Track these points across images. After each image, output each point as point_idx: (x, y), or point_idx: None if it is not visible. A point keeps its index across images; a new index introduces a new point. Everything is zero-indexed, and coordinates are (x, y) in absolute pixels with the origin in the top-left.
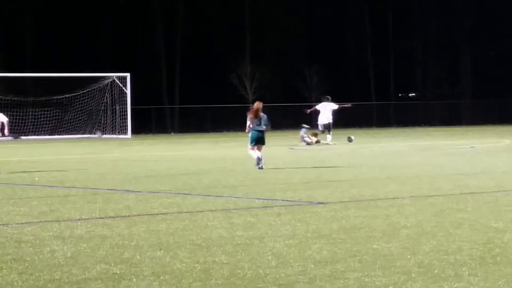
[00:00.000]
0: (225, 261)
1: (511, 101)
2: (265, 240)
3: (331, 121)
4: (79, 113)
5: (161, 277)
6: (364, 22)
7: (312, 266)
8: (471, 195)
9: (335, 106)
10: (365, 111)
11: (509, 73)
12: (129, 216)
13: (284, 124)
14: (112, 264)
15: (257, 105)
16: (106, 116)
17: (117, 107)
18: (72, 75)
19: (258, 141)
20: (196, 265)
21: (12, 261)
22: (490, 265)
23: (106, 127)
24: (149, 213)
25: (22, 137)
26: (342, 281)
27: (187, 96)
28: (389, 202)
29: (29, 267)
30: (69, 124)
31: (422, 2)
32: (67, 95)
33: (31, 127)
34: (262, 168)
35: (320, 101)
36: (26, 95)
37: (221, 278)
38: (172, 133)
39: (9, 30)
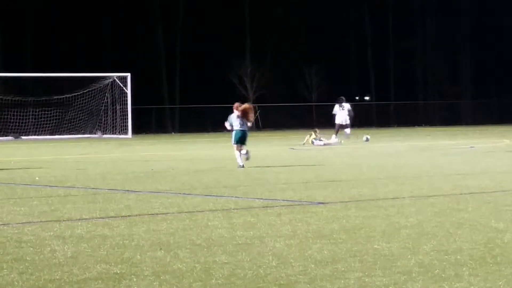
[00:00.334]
0: (225, 261)
1: (511, 101)
2: (266, 240)
3: (348, 122)
4: (80, 113)
5: (162, 277)
6: (364, 22)
7: (312, 266)
8: (471, 195)
9: (349, 107)
10: (365, 111)
11: (509, 73)
12: (129, 216)
13: (284, 124)
14: (113, 264)
15: (249, 106)
16: (107, 116)
17: (118, 107)
18: (72, 75)
19: (241, 140)
20: (197, 265)
21: (13, 261)
22: (491, 265)
23: (106, 127)
24: (149, 213)
25: (23, 137)
26: (342, 281)
27: (187, 96)
28: (389, 202)
29: (30, 267)
30: (69, 124)
31: (422, 2)
32: (67, 95)
33: (32, 127)
34: (243, 166)
35: (336, 102)
36: (27, 95)
37: (222, 278)
38: (173, 133)
39: (9, 30)
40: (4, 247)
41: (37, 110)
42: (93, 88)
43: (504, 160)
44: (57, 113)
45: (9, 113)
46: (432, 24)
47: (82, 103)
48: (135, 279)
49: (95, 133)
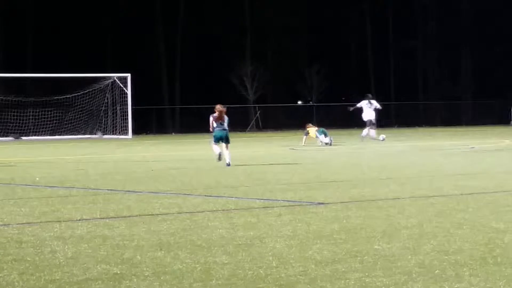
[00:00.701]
0: (225, 262)
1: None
2: (266, 240)
3: (372, 118)
4: (80, 114)
5: (162, 277)
6: (365, 22)
7: (313, 266)
8: (471, 195)
9: (377, 104)
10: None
11: (509, 74)
12: (129, 216)
13: (284, 124)
14: (113, 264)
15: (221, 109)
16: (107, 117)
17: (118, 108)
18: (72, 75)
19: (222, 140)
20: (197, 265)
21: (13, 262)
22: (491, 265)
23: (106, 127)
24: (149, 213)
25: (23, 138)
26: (343, 282)
27: (188, 96)
28: (390, 203)
29: (30, 267)
30: (69, 125)
31: (423, 1)
32: (67, 96)
33: (32, 127)
34: (229, 164)
35: (362, 99)
36: (27, 95)
37: (222, 279)
38: (173, 133)
39: (10, 30)
40: (5, 247)
41: (38, 110)
42: (94, 88)
43: (504, 160)
44: (58, 114)
45: (10, 113)
46: (433, 24)
47: (83, 104)
48: (135, 280)
49: (95, 134)
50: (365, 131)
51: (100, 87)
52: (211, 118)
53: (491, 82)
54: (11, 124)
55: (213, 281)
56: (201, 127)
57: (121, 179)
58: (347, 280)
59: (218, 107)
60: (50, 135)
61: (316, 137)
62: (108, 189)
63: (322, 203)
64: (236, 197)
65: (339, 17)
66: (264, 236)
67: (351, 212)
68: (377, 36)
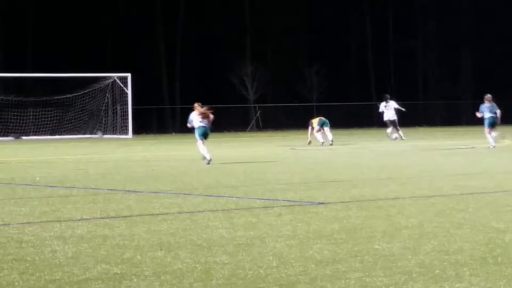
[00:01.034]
0: (226, 261)
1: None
2: (266, 240)
3: (396, 118)
4: (80, 113)
5: (162, 277)
6: (365, 22)
7: (313, 266)
8: (471, 195)
9: (396, 104)
10: (366, 112)
11: (509, 73)
12: (130, 216)
13: (284, 124)
14: (113, 264)
15: (203, 111)
16: (107, 116)
17: (118, 107)
18: (73, 75)
19: (205, 136)
20: (197, 265)
21: (13, 261)
22: (491, 265)
23: (107, 127)
24: (150, 213)
25: (23, 137)
26: (343, 281)
27: (188, 96)
28: (390, 202)
29: (30, 267)
30: (70, 124)
31: (423, 2)
32: (68, 95)
33: (32, 127)
34: (209, 163)
35: (382, 100)
36: (27, 95)
37: (222, 278)
38: (173, 133)
39: (10, 30)
40: (5, 247)
41: (38, 110)
42: (94, 88)
43: (504, 160)
44: (58, 114)
45: (10, 113)
46: (433, 24)
47: (83, 104)
48: (135, 280)
49: (95, 134)
50: (389, 131)
51: (101, 87)
52: (193, 115)
53: (491, 82)
54: (11, 124)
55: (214, 281)
56: None
57: (121, 179)
58: (348, 280)
59: (197, 106)
60: (51, 135)
61: (318, 130)
62: (108, 189)
63: (322, 203)
64: (236, 197)
65: (339, 17)
66: (265, 236)
67: (352, 212)
68: (377, 36)
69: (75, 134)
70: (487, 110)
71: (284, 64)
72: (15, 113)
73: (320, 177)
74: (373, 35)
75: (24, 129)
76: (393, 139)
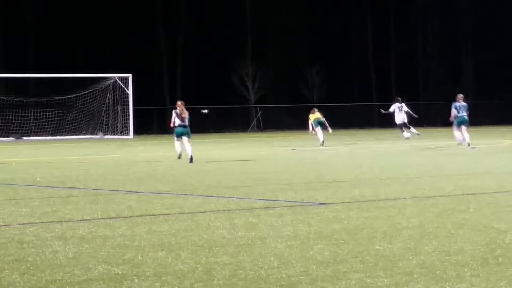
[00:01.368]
0: (227, 262)
1: None
2: (267, 240)
3: (405, 120)
4: (81, 114)
5: (163, 278)
6: (366, 23)
7: (314, 267)
8: (472, 195)
9: (405, 107)
10: (367, 112)
11: (510, 74)
12: (131, 216)
13: (285, 125)
14: (114, 265)
15: (182, 106)
16: (108, 117)
17: (119, 108)
18: (74, 75)
19: (183, 134)
20: (198, 265)
21: (14, 262)
22: (492, 266)
23: (108, 127)
24: (151, 213)
25: (24, 138)
26: (344, 282)
27: (189, 97)
28: (391, 203)
29: (31, 267)
30: (71, 125)
31: (424, 2)
32: (69, 96)
33: (33, 127)
34: (192, 160)
35: (394, 102)
36: (28, 95)
37: (223, 279)
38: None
39: (11, 30)
40: (6, 247)
41: (39, 110)
42: (95, 89)
43: (505, 160)
44: (59, 114)
45: (11, 113)
46: (434, 24)
47: (84, 104)
48: (136, 280)
49: (96, 134)
50: (406, 133)
51: (102, 87)
52: (174, 114)
53: (492, 82)
54: (12, 125)
55: (214, 282)
56: (202, 128)
57: (122, 180)
58: (348, 281)
59: (180, 104)
60: (51, 135)
61: (312, 128)
62: (109, 190)
63: (323, 204)
64: (237, 198)
65: (340, 17)
66: (265, 237)
67: (352, 213)
68: (378, 36)
69: (76, 135)
70: (458, 109)
71: (285, 64)
72: (16, 114)
73: (321, 177)
74: (374, 36)
75: (25, 130)
76: (406, 138)
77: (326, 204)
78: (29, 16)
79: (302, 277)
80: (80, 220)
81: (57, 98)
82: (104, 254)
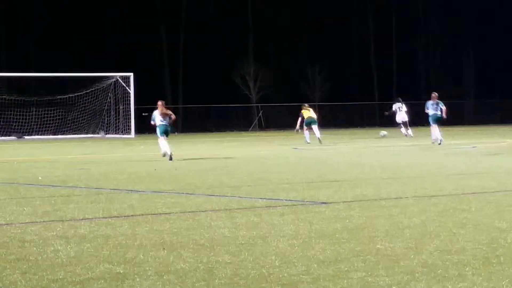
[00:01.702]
0: (228, 261)
1: None
2: (269, 239)
3: (406, 119)
4: (83, 113)
5: (165, 277)
6: (367, 22)
7: (315, 266)
8: (474, 195)
9: (405, 107)
10: (368, 111)
11: (511, 74)
12: (132, 215)
13: (287, 124)
14: (116, 264)
15: (163, 106)
16: (110, 116)
17: (121, 107)
18: (75, 75)
19: (166, 133)
20: (200, 264)
21: (16, 261)
22: (494, 265)
23: (109, 126)
24: (152, 212)
25: (26, 137)
26: (345, 281)
27: (191, 96)
28: (392, 202)
29: (33, 266)
30: (72, 124)
31: (425, 2)
32: (70, 95)
33: (35, 126)
34: (171, 159)
35: (395, 102)
36: (30, 94)
37: (225, 278)
38: (176, 133)
39: (12, 29)
40: (7, 247)
41: (40, 110)
42: (96, 88)
43: (506, 160)
44: (60, 113)
45: (12, 113)
46: (435, 24)
47: (85, 103)
48: (138, 279)
49: (98, 133)
50: (404, 130)
51: (103, 86)
52: (156, 113)
53: (494, 82)
54: (14, 124)
55: (216, 281)
56: (204, 127)
57: (124, 179)
58: (350, 280)
59: (161, 104)
60: (53, 134)
61: (301, 126)
62: (110, 189)
63: (324, 203)
64: (239, 197)
65: (342, 17)
66: (267, 236)
67: (354, 212)
68: (379, 35)
69: (78, 134)
70: (432, 107)
71: (286, 64)
72: (18, 113)
73: (323, 176)
74: (376, 35)
75: (26, 129)
76: (404, 135)
77: (328, 203)
78: (30, 15)
79: (303, 276)
80: (82, 219)
81: (58, 97)
82: (105, 253)
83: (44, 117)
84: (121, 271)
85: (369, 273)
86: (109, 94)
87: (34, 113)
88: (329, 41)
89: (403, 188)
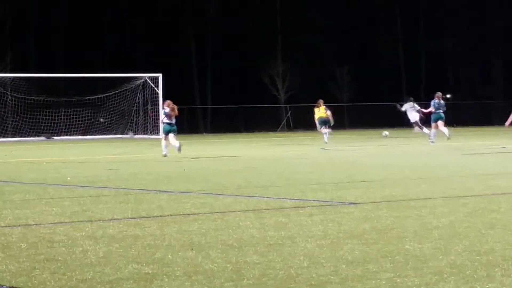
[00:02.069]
0: (256, 261)
1: None
2: (297, 240)
3: (417, 119)
4: (111, 114)
5: (193, 277)
6: (396, 23)
7: (344, 266)
8: (503, 195)
9: (417, 106)
10: (396, 111)
11: None
12: (161, 216)
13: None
14: (144, 264)
15: (172, 105)
16: (138, 117)
17: (149, 108)
18: (104, 75)
19: (171, 131)
20: (228, 265)
21: (45, 261)
22: None
23: (138, 127)
24: (181, 213)
25: (55, 137)
26: (374, 282)
27: (219, 96)
28: (421, 203)
29: (62, 266)
30: (101, 125)
31: (454, 2)
32: (99, 96)
33: (64, 127)
34: (180, 151)
35: (407, 101)
36: (59, 95)
37: (253, 278)
38: (205, 133)
39: (42, 30)
40: (36, 247)
41: (69, 110)
42: (125, 88)
43: None
44: (89, 114)
45: (41, 113)
46: (464, 24)
47: (114, 104)
48: (166, 279)
49: (126, 134)
50: (417, 129)
51: (132, 87)
52: (163, 113)
53: None
54: (43, 124)
55: (244, 281)
56: (232, 127)
57: (152, 179)
58: (378, 280)
59: (170, 103)
60: (82, 135)
61: (320, 128)
62: (139, 189)
63: (353, 203)
64: (267, 197)
65: (370, 18)
66: (295, 236)
67: (382, 212)
68: (407, 35)
69: (107, 134)
70: (437, 106)
71: (315, 64)
72: (47, 113)
73: (351, 177)
74: (404, 36)
75: (55, 129)
76: (415, 131)
77: (356, 203)
78: (60, 16)
79: (332, 277)
80: (110, 220)
81: (87, 97)
82: (134, 253)
83: (73, 118)
84: (150, 272)
85: (398, 273)
86: (138, 95)
87: (63, 113)
88: (357, 41)
89: (432, 188)
